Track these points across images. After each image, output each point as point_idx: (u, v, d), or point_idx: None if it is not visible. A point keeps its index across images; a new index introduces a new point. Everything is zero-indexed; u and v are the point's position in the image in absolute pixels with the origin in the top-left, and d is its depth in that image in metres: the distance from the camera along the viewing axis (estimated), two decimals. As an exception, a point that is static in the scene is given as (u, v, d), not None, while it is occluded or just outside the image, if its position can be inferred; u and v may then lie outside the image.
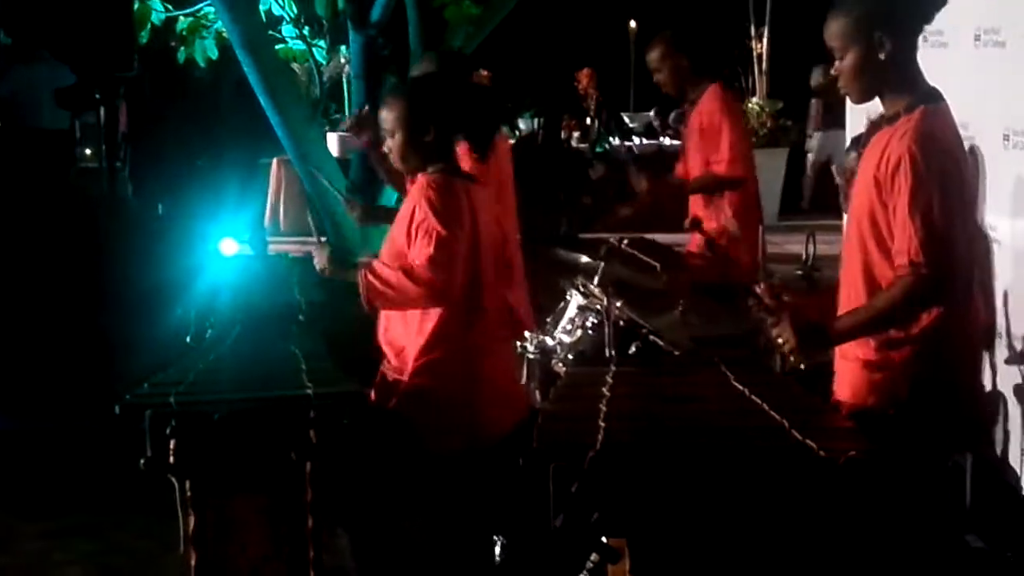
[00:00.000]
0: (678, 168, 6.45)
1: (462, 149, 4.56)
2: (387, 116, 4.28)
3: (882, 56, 3.62)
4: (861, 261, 3.70)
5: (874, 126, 3.77)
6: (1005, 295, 4.94)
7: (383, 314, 4.33)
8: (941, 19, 5.34)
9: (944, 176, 3.54)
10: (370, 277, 4.18)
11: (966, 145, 5.06)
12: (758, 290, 3.87)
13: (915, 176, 3.50)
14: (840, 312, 3.79)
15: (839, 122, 11.89)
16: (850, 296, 3.75)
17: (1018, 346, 4.82)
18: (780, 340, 3.72)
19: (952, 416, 3.66)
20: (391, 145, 4.29)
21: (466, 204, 4.18)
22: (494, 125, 4.52)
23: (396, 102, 4.29)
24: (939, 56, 5.42)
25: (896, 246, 3.56)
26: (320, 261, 4.39)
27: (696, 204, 6.27)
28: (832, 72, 3.77)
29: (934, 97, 3.67)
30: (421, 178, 4.23)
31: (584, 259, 5.44)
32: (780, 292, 3.96)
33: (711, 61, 6.33)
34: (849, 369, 3.76)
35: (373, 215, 6.05)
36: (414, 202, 4.18)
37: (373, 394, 4.33)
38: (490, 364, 4.29)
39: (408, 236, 4.14)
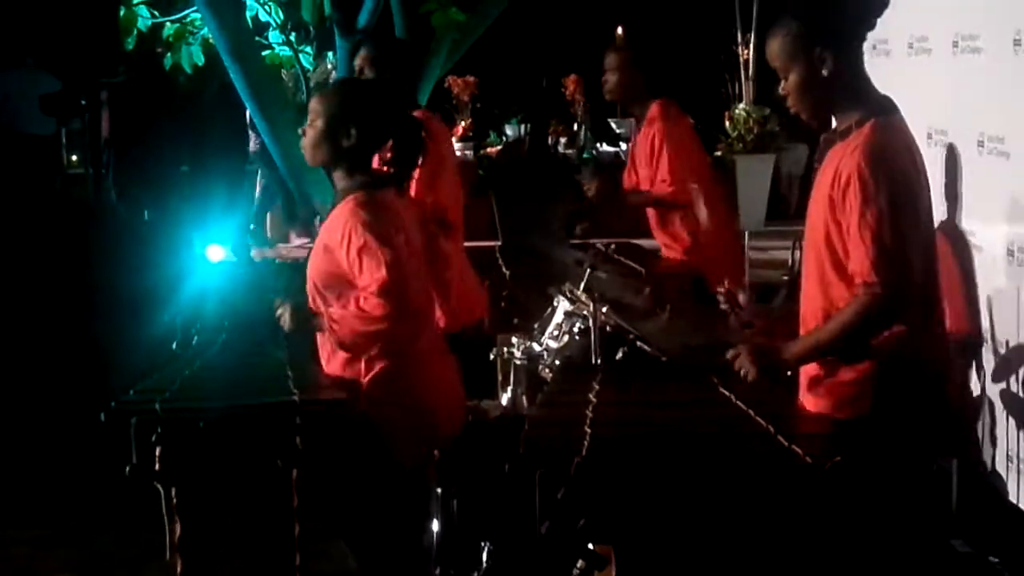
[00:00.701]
0: (626, 178, 6.47)
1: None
2: (314, 106, 4.19)
3: (825, 72, 3.58)
4: (817, 279, 3.67)
5: (828, 142, 3.72)
6: (987, 300, 4.95)
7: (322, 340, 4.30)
8: (924, 26, 5.39)
9: (893, 192, 3.49)
10: (332, 326, 4.10)
11: (942, 146, 5.08)
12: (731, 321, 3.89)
13: (863, 194, 3.46)
14: (801, 329, 3.78)
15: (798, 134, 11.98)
16: (808, 314, 3.74)
17: (1001, 350, 4.82)
18: (741, 372, 3.71)
19: (925, 422, 3.64)
20: (308, 132, 4.19)
21: (396, 217, 4.13)
22: (415, 152, 4.39)
23: (328, 97, 4.22)
24: (919, 63, 5.45)
25: (851, 265, 3.52)
26: (285, 321, 4.29)
27: (651, 218, 6.31)
28: (780, 92, 3.73)
29: (885, 109, 3.63)
30: (350, 201, 4.11)
31: (570, 264, 5.44)
32: (744, 318, 3.98)
33: (664, 80, 6.32)
34: (815, 380, 3.74)
35: None
36: (345, 225, 4.06)
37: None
38: (434, 371, 4.29)
39: (349, 262, 4.05)
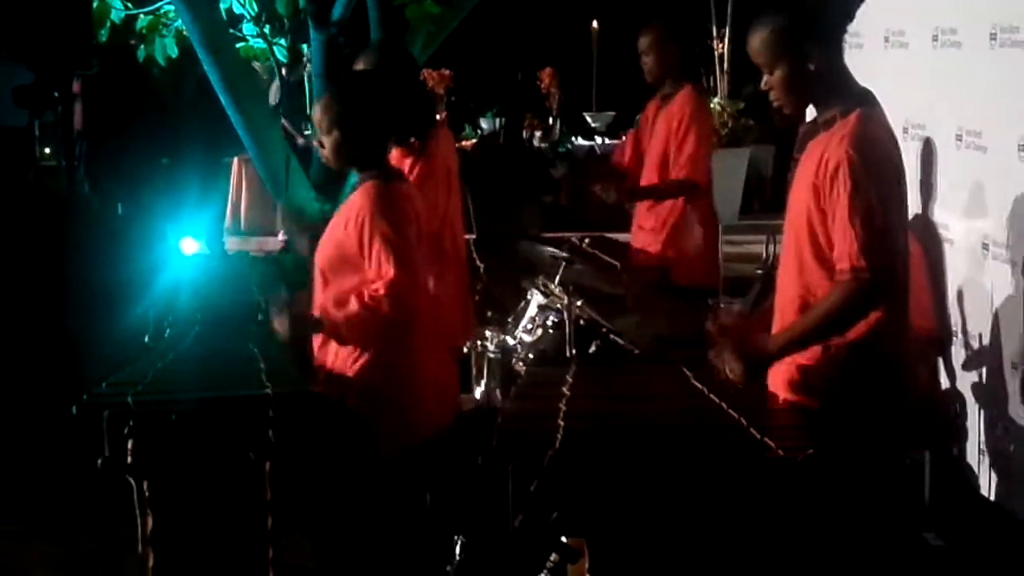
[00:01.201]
0: (622, 156, 6.45)
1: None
2: (321, 115, 4.23)
3: (812, 67, 3.59)
4: (797, 268, 3.67)
5: (809, 132, 3.73)
6: (959, 293, 4.96)
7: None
8: (902, 19, 5.40)
9: (883, 180, 3.52)
10: (341, 329, 4.13)
11: (919, 140, 5.10)
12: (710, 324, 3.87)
13: (854, 181, 3.47)
14: (777, 322, 3.78)
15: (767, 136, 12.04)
16: (785, 304, 3.74)
17: (973, 344, 4.85)
18: (726, 370, 3.70)
19: (886, 413, 3.65)
20: (325, 143, 4.24)
21: (409, 207, 4.17)
22: (430, 119, 4.45)
23: (331, 100, 4.25)
24: (898, 57, 5.46)
25: (836, 252, 3.52)
26: (282, 328, 4.31)
27: (640, 205, 6.29)
28: (763, 87, 3.72)
29: (868, 100, 3.64)
30: (368, 187, 4.17)
31: (545, 258, 5.44)
32: (721, 320, 3.98)
33: (691, 64, 6.36)
34: (781, 368, 3.74)
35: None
36: (360, 211, 4.12)
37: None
38: (431, 362, 4.28)
39: (360, 245, 4.10)
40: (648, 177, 6.22)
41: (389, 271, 4.02)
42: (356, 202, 4.18)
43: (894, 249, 3.53)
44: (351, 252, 4.13)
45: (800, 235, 3.64)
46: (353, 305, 4.07)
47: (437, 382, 4.33)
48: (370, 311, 4.04)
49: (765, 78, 3.69)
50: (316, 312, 4.22)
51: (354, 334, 4.13)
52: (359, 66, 5.20)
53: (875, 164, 3.51)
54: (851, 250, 3.48)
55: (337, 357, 4.21)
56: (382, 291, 4.02)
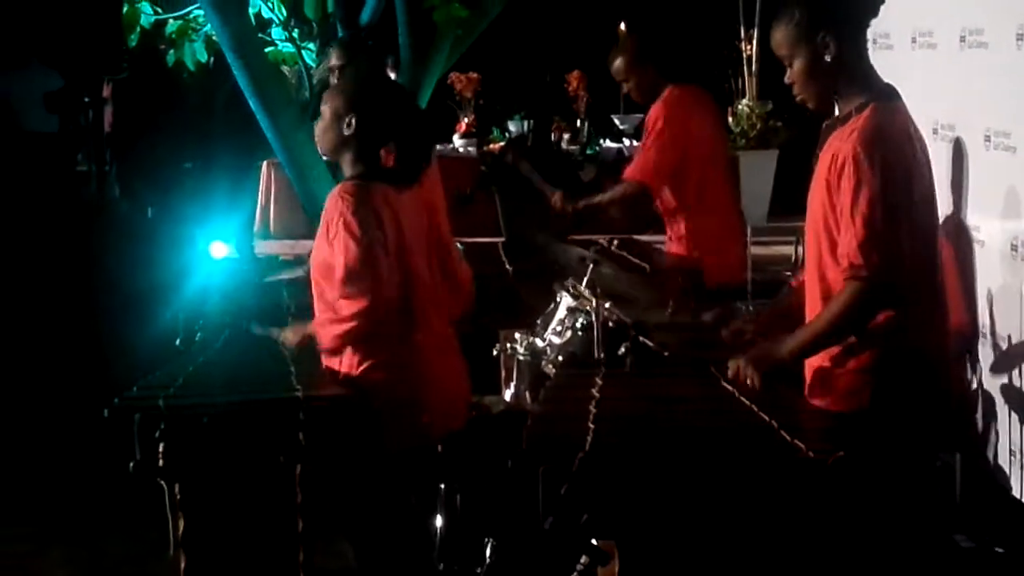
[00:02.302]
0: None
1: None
2: (324, 98, 4.29)
3: (828, 58, 3.60)
4: (816, 266, 3.67)
5: (829, 128, 3.72)
6: (989, 295, 4.94)
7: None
8: (929, 20, 5.38)
9: (889, 177, 3.48)
10: (317, 330, 4.19)
11: (949, 141, 5.07)
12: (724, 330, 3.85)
13: (856, 176, 3.46)
14: (807, 318, 3.77)
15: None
16: (809, 301, 3.73)
17: (1003, 345, 4.82)
18: (744, 378, 3.69)
19: (925, 415, 3.64)
20: (317, 126, 4.29)
21: (383, 208, 4.13)
22: (425, 142, 4.41)
23: (334, 89, 4.36)
24: (926, 57, 5.44)
25: (840, 250, 3.52)
26: (288, 342, 4.37)
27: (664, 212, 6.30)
28: (786, 80, 3.73)
29: (887, 95, 3.63)
30: (338, 189, 4.17)
31: (573, 260, 5.43)
32: (740, 328, 3.99)
33: (680, 63, 6.28)
34: (814, 375, 3.74)
35: None
36: (329, 213, 4.12)
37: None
38: (435, 364, 4.28)
39: (330, 248, 4.09)
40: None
41: (341, 267, 4.02)
42: (328, 204, 4.17)
43: (898, 248, 3.48)
44: (325, 254, 4.13)
45: (818, 233, 3.64)
46: (322, 316, 4.13)
47: (443, 381, 4.33)
48: (335, 313, 4.07)
49: (789, 72, 3.70)
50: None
51: (327, 339, 4.16)
52: (332, 61, 5.27)
53: (881, 159, 3.48)
54: (850, 248, 3.47)
55: (341, 361, 4.23)
56: (338, 283, 4.04)
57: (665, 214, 6.24)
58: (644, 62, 6.13)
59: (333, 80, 5.50)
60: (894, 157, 3.52)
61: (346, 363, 4.18)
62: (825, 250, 3.62)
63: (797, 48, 3.64)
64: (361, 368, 4.16)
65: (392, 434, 4.13)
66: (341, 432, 4.00)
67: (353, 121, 4.18)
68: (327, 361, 4.25)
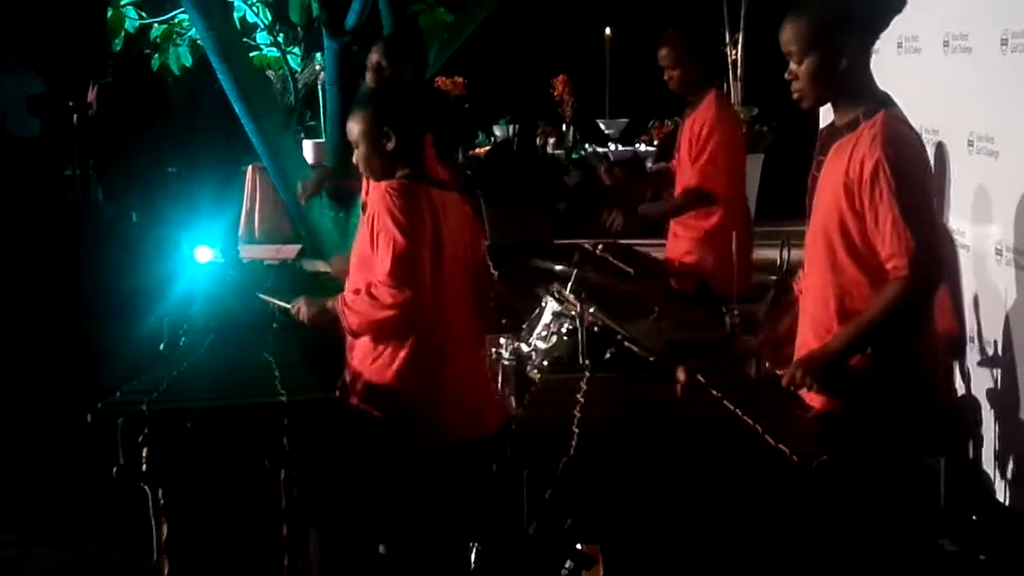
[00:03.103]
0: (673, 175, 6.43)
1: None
2: (351, 128, 4.28)
3: (844, 62, 3.58)
4: (829, 267, 3.65)
5: (832, 133, 3.72)
6: (974, 299, 4.95)
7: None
8: (915, 25, 5.39)
9: (921, 176, 3.54)
10: (344, 310, 4.19)
11: (932, 145, 5.09)
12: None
13: (897, 178, 3.46)
14: (803, 323, 3.77)
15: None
16: (816, 305, 3.72)
17: (989, 350, 4.83)
18: (795, 385, 3.66)
19: (913, 419, 3.64)
20: (357, 156, 4.29)
21: (427, 208, 4.16)
22: (458, 127, 4.48)
23: (357, 114, 4.30)
24: (910, 62, 5.45)
25: (888, 250, 3.49)
26: (302, 313, 4.42)
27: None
28: (786, 76, 3.71)
29: (889, 102, 3.64)
30: (381, 184, 4.21)
31: (558, 265, 5.43)
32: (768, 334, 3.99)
33: (714, 68, 6.30)
34: None
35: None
36: (374, 209, 4.15)
37: (338, 393, 4.32)
38: (455, 369, 4.28)
39: (372, 243, 4.13)
40: (682, 188, 6.21)
41: (387, 262, 4.05)
42: (373, 201, 4.21)
43: (940, 247, 3.57)
44: (367, 249, 4.16)
45: (831, 236, 3.62)
46: (362, 294, 4.14)
47: (475, 390, 4.33)
48: (374, 299, 4.09)
49: (791, 67, 3.67)
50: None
51: (357, 321, 4.17)
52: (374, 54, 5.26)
53: (912, 161, 3.52)
54: (907, 247, 3.45)
55: (368, 357, 4.23)
56: (382, 278, 4.06)
57: (691, 218, 6.17)
58: (696, 55, 6.12)
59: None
60: (920, 159, 3.59)
61: (375, 360, 4.20)
62: (841, 252, 3.61)
63: (811, 46, 3.60)
64: (392, 370, 4.18)
65: (422, 432, 4.14)
66: (326, 436, 3.99)
67: (391, 133, 4.21)
68: (351, 354, 4.26)
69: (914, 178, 3.50)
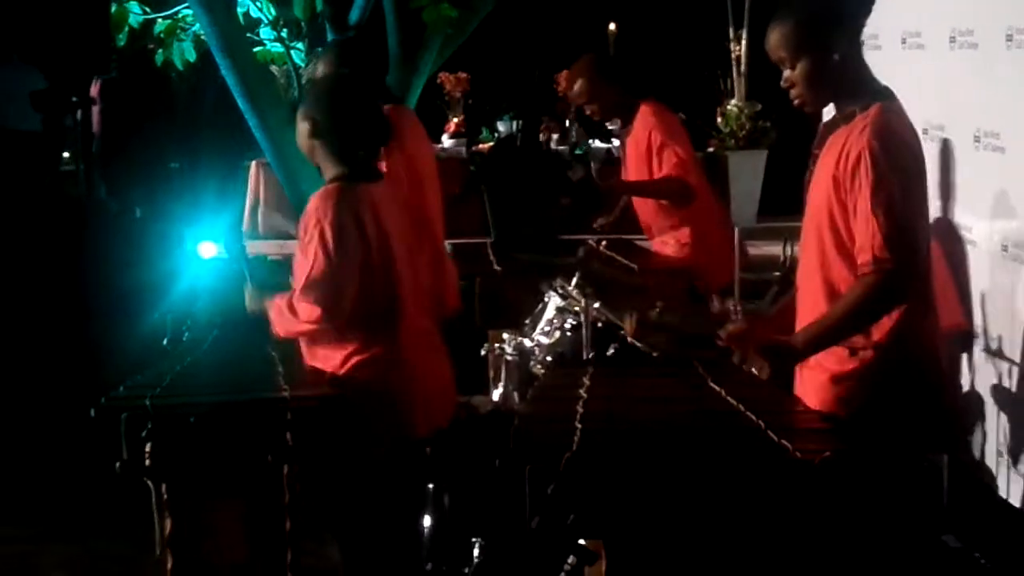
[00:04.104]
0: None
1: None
2: (299, 125, 4.29)
3: (836, 58, 3.57)
4: (818, 263, 3.65)
5: (829, 127, 3.71)
6: (981, 295, 4.94)
7: None
8: (919, 21, 5.38)
9: (905, 170, 3.51)
10: (273, 316, 4.20)
11: (938, 141, 5.08)
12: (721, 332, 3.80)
13: (876, 171, 3.45)
14: (800, 318, 3.76)
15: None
16: (808, 300, 3.72)
17: (994, 346, 4.83)
18: (754, 370, 3.68)
19: (920, 417, 3.64)
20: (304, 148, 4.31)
21: (367, 210, 4.13)
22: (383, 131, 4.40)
23: (305, 99, 4.35)
24: (913, 57, 5.44)
25: (859, 243, 3.49)
26: (249, 303, 4.39)
27: (647, 212, 6.24)
28: (783, 84, 3.69)
29: (887, 95, 3.63)
30: (319, 192, 4.17)
31: (562, 260, 5.44)
32: (736, 325, 3.97)
33: (640, 81, 6.22)
34: (811, 376, 3.73)
35: None
36: (306, 215, 4.13)
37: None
38: (418, 361, 4.27)
39: (303, 250, 4.12)
40: (636, 204, 6.21)
41: (304, 280, 4.05)
42: (308, 207, 4.17)
43: (916, 242, 3.51)
44: (300, 256, 4.14)
45: (821, 229, 3.62)
46: (283, 304, 4.14)
47: (426, 379, 4.32)
48: (292, 311, 4.09)
49: (786, 74, 3.66)
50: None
51: (281, 331, 4.19)
52: (319, 67, 5.24)
53: (897, 155, 3.49)
54: (874, 242, 3.44)
55: (322, 360, 4.22)
56: (299, 290, 4.06)
57: (659, 217, 6.19)
58: (612, 81, 6.05)
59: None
60: (908, 154, 3.55)
61: (330, 360, 4.18)
62: (829, 245, 3.61)
63: (801, 50, 3.59)
64: (346, 365, 4.15)
65: (376, 430, 4.13)
66: (328, 432, 3.99)
67: (320, 124, 4.20)
68: (310, 359, 4.24)
69: (896, 173, 3.47)
